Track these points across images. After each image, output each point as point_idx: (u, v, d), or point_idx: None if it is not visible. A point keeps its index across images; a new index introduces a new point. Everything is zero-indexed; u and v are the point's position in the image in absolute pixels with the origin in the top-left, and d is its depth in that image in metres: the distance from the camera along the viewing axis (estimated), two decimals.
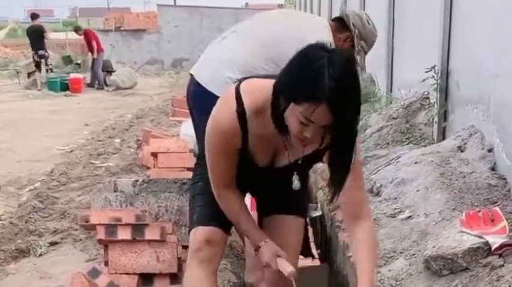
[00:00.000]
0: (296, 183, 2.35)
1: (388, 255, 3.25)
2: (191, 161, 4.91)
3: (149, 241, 3.08)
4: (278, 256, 2.36)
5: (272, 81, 2.12)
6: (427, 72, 4.53)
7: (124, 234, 3.06)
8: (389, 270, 3.13)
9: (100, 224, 3.05)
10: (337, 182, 2.12)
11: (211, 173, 2.39)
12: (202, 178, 2.53)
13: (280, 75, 2.06)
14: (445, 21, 4.48)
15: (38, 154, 8.56)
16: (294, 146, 2.18)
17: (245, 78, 2.34)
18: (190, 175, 2.97)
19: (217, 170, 2.37)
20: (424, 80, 4.59)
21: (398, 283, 3.01)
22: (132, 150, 7.65)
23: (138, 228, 3.06)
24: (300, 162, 2.33)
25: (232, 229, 2.65)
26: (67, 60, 20.39)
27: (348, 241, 3.60)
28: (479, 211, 3.11)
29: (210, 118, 2.31)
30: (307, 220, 2.91)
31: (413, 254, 3.15)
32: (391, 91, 6.33)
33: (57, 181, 6.49)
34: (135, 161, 6.61)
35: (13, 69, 19.40)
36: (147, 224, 3.07)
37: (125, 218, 3.05)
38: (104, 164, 7.07)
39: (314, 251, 3.34)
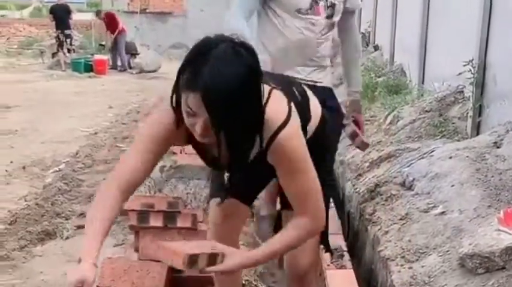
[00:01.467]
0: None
1: (421, 251, 3.19)
2: None
3: (180, 229, 3.05)
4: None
5: None
6: (464, 65, 4.44)
7: (156, 221, 3.03)
8: (422, 266, 3.07)
9: (132, 210, 3.02)
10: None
11: (121, 158, 2.24)
12: None
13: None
14: (484, 12, 4.37)
15: (62, 135, 8.59)
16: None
17: None
18: None
19: (124, 159, 2.14)
20: (460, 73, 4.50)
21: (431, 279, 2.94)
22: None
23: (170, 215, 3.03)
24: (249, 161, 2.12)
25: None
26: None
27: (378, 234, 3.57)
28: None
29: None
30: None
31: (447, 251, 3.09)
32: (423, 83, 6.23)
33: (82, 163, 6.53)
34: None
35: (37, 49, 19.48)
36: (179, 212, 3.04)
37: (157, 205, 3.02)
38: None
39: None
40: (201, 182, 3.91)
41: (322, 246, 2.95)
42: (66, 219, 4.58)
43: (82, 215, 4.61)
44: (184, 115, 1.85)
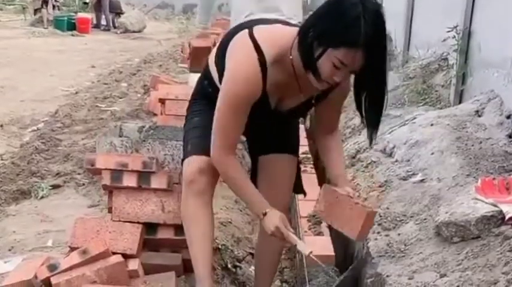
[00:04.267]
0: (307, 123, 2.82)
1: (398, 218, 3.18)
2: None
3: (155, 190, 2.98)
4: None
5: (287, 28, 2.30)
6: (448, 32, 4.37)
7: (130, 181, 2.95)
8: (399, 234, 3.06)
9: (106, 169, 2.94)
10: (373, 123, 2.37)
11: (219, 132, 2.41)
12: (197, 114, 2.63)
13: (311, 22, 2.17)
14: None
15: (42, 93, 8.46)
16: (308, 90, 2.33)
17: (250, 26, 2.36)
18: None
19: (227, 129, 2.41)
20: (444, 40, 4.44)
21: (407, 247, 2.93)
22: (139, 95, 7.51)
23: (144, 175, 2.95)
24: (313, 101, 2.49)
25: None
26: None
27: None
28: (494, 178, 3.02)
29: (230, 73, 2.33)
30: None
31: (424, 219, 3.07)
32: (408, 50, 6.16)
33: (61, 123, 6.38)
34: (141, 107, 6.49)
35: (19, 5, 19.08)
36: (153, 172, 2.96)
37: (131, 164, 2.94)
38: (110, 108, 6.95)
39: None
40: (179, 144, 3.82)
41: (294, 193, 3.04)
42: (42, 178, 4.47)
43: (58, 174, 4.52)
44: (328, 67, 2.10)
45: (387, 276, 2.74)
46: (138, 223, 2.95)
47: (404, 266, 2.77)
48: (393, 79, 5.08)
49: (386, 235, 3.06)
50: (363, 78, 2.20)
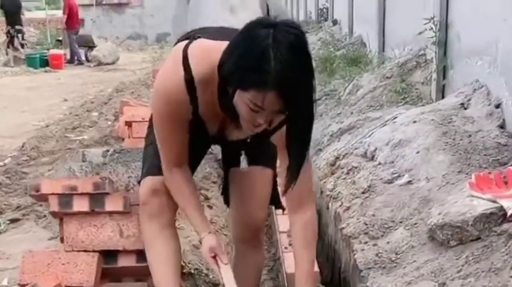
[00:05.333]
0: (244, 164, 2.30)
1: (386, 225, 2.86)
2: None
3: (110, 213, 2.64)
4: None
5: (223, 45, 1.88)
6: (425, 24, 4.11)
7: (81, 205, 2.62)
8: (388, 242, 2.74)
9: (52, 194, 2.61)
10: (294, 170, 1.96)
11: (161, 148, 2.19)
12: None
13: (223, 57, 1.85)
14: None
15: (12, 129, 8.19)
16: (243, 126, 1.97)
17: (194, 37, 2.09)
18: None
19: (168, 143, 2.17)
20: (420, 33, 4.17)
21: (398, 256, 2.61)
22: (109, 122, 7.26)
23: (96, 198, 2.62)
24: (248, 140, 2.18)
25: None
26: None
27: (339, 211, 3.23)
28: (489, 172, 2.72)
29: (157, 83, 2.10)
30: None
31: (415, 224, 2.76)
32: (383, 51, 5.91)
33: (28, 156, 6.12)
34: (111, 134, 6.20)
35: None
36: (107, 193, 2.64)
37: (80, 187, 2.61)
38: (79, 137, 6.65)
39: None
40: None
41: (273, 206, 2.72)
42: (1, 213, 4.16)
43: (18, 208, 4.20)
44: (244, 110, 1.81)
45: None
46: (94, 251, 2.63)
47: (398, 278, 2.46)
48: (369, 80, 4.81)
49: (374, 245, 2.74)
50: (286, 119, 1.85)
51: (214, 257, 2.19)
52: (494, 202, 2.46)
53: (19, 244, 3.59)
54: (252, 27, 1.79)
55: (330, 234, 3.49)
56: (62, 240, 2.72)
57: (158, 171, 2.27)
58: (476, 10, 3.74)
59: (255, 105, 1.77)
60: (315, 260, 2.24)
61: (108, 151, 4.34)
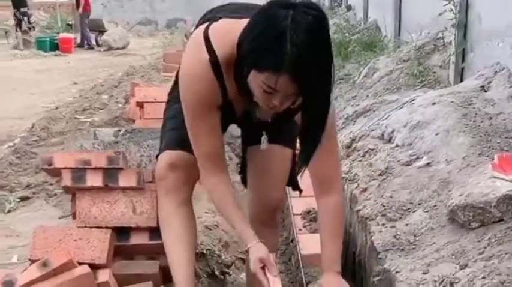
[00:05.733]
0: (264, 144, 2.24)
1: (404, 207, 2.80)
2: None
3: (124, 189, 2.59)
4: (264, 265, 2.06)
5: (244, 23, 1.83)
6: (445, 5, 4.02)
7: (94, 180, 2.57)
8: (406, 224, 2.68)
9: (65, 168, 2.56)
10: (305, 155, 1.94)
11: (195, 146, 2.11)
12: (177, 100, 2.18)
13: (242, 36, 1.81)
14: None
15: (22, 111, 8.19)
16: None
17: (214, 18, 2.03)
18: None
19: (198, 136, 2.09)
20: (440, 14, 4.08)
21: (417, 238, 2.55)
22: (120, 105, 7.22)
23: (110, 173, 2.57)
24: (269, 121, 2.12)
25: None
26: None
27: (355, 193, 3.17)
28: None
29: (182, 72, 2.03)
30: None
31: (434, 206, 2.69)
32: (399, 35, 5.82)
33: (37, 136, 6.09)
34: (121, 115, 6.16)
35: (1, 29, 18.85)
36: (121, 169, 2.58)
37: (94, 161, 2.55)
38: (89, 119, 6.62)
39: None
40: (156, 143, 3.45)
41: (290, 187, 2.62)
42: (11, 191, 4.12)
43: (28, 186, 4.17)
44: (258, 91, 1.77)
45: (397, 272, 2.37)
46: (106, 227, 2.57)
47: (417, 260, 2.40)
48: (386, 63, 4.73)
49: (392, 227, 2.68)
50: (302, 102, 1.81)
51: (262, 268, 2.06)
52: None
53: (29, 222, 3.56)
54: (272, 6, 1.74)
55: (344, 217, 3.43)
56: (74, 216, 2.68)
57: (176, 145, 2.23)
58: None
59: (268, 87, 1.73)
60: (341, 246, 2.16)
61: (119, 130, 4.30)
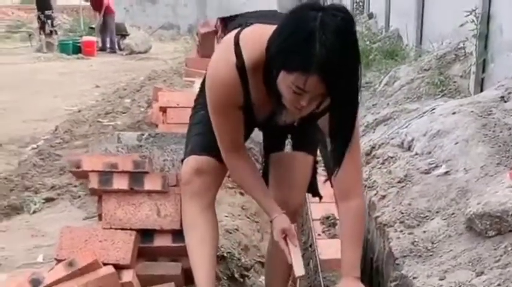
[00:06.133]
0: (288, 148, 2.37)
1: (422, 215, 2.84)
2: None
3: (149, 192, 2.67)
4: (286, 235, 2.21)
5: (273, 29, 1.91)
6: (466, 16, 4.06)
7: (120, 183, 2.65)
8: (424, 231, 2.73)
9: (93, 171, 2.64)
10: (337, 155, 2.02)
11: (218, 134, 2.21)
12: (203, 106, 2.29)
13: (271, 38, 1.88)
14: None
15: (45, 113, 8.30)
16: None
17: (246, 24, 2.11)
18: None
19: (223, 130, 2.19)
20: (462, 25, 4.12)
21: (434, 245, 2.60)
22: (142, 109, 7.29)
23: (136, 177, 2.64)
24: (295, 124, 2.15)
25: None
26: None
27: (374, 200, 3.22)
28: None
29: (209, 72, 2.11)
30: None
31: (452, 214, 2.74)
32: (420, 44, 5.86)
33: (61, 139, 6.18)
34: (144, 119, 6.24)
35: (25, 32, 19.09)
36: (146, 172, 2.66)
37: (121, 165, 2.63)
38: (112, 122, 6.71)
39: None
40: (179, 148, 3.52)
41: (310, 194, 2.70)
42: (36, 193, 4.20)
43: (53, 188, 4.25)
44: (287, 92, 1.82)
45: (414, 278, 2.42)
46: (131, 229, 2.64)
47: (434, 266, 2.45)
48: (407, 72, 4.77)
49: (410, 233, 2.73)
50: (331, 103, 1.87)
51: (284, 238, 2.20)
52: None
53: (54, 223, 3.62)
54: (301, 9, 1.80)
55: None
56: (99, 217, 2.75)
57: (202, 151, 2.31)
58: None
59: (297, 88, 1.78)
60: (361, 251, 2.20)
61: (143, 134, 4.37)
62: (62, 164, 4.86)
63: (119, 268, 2.49)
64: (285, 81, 1.80)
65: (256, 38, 1.99)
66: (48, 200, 4.02)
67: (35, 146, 6.30)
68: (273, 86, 1.88)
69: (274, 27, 1.91)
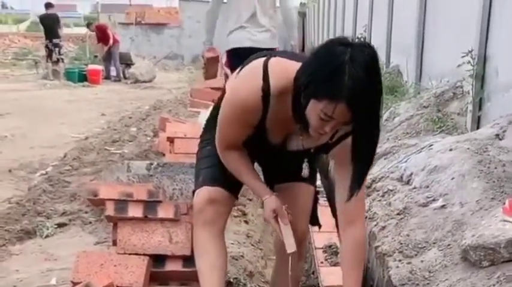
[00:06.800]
0: (306, 171, 2.47)
1: (420, 246, 2.99)
2: None
3: (162, 220, 2.83)
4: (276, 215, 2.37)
5: (299, 65, 2.09)
6: (463, 57, 4.25)
7: (135, 211, 2.82)
8: (422, 261, 2.87)
9: (109, 199, 2.81)
10: (357, 179, 2.15)
11: (218, 135, 2.38)
12: (210, 142, 2.49)
13: (302, 70, 2.04)
14: (484, 1, 4.19)
15: (52, 140, 8.40)
16: (309, 135, 2.14)
17: (274, 55, 2.29)
18: None
19: (225, 135, 2.37)
20: (459, 65, 4.31)
21: (431, 274, 2.74)
22: (149, 138, 7.45)
23: (150, 205, 2.82)
24: (312, 151, 2.36)
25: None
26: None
27: (374, 230, 3.36)
28: None
29: (233, 89, 2.28)
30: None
31: (448, 245, 2.89)
32: (420, 81, 6.04)
33: (70, 166, 6.28)
34: (150, 148, 6.39)
35: (31, 59, 19.34)
36: (160, 201, 2.83)
37: (136, 194, 2.81)
38: (119, 151, 6.86)
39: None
40: (188, 178, 3.69)
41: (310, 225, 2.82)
42: (48, 218, 4.32)
43: (64, 213, 4.37)
44: (315, 118, 1.97)
45: None
46: (144, 255, 2.80)
47: None
48: (406, 109, 4.95)
49: (409, 263, 2.87)
50: (353, 131, 2.04)
51: (275, 217, 2.36)
52: None
53: (66, 248, 3.73)
54: (331, 43, 2.00)
55: None
56: (114, 243, 2.91)
57: (214, 182, 2.46)
58: None
59: (325, 115, 1.94)
60: (361, 278, 2.34)
61: (152, 163, 4.53)
62: (72, 191, 5.00)
63: None
64: (314, 109, 1.96)
65: (283, 68, 2.17)
66: (60, 225, 4.13)
67: (44, 172, 6.39)
68: (301, 114, 2.04)
69: (298, 63, 2.10)
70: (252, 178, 2.42)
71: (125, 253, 2.82)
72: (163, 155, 5.75)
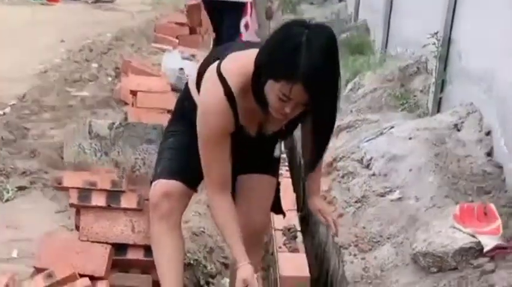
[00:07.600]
0: (277, 152, 2.62)
1: (375, 240, 3.13)
2: (172, 102, 4.68)
3: (125, 209, 2.87)
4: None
5: (252, 53, 2.13)
6: (429, 38, 4.28)
7: (98, 200, 2.84)
8: (375, 257, 3.01)
9: (73, 188, 2.83)
10: (316, 154, 2.34)
11: (207, 170, 2.35)
12: (174, 134, 2.56)
13: (261, 51, 2.08)
14: None
15: (9, 71, 8.13)
16: (273, 117, 2.19)
17: (223, 55, 2.29)
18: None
19: (210, 165, 2.34)
20: (424, 45, 4.34)
21: (383, 273, 2.89)
22: (110, 79, 7.31)
23: (113, 195, 2.84)
24: (283, 128, 2.41)
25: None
26: None
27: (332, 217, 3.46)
28: (472, 203, 2.98)
29: (200, 110, 2.29)
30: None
31: (401, 243, 3.03)
32: (386, 47, 6.05)
33: (29, 110, 6.16)
34: (112, 94, 6.32)
35: None
36: (123, 191, 2.86)
37: (100, 183, 2.83)
38: (79, 93, 6.74)
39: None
40: (150, 147, 3.70)
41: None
42: (7, 177, 4.28)
43: (24, 173, 4.33)
44: (274, 99, 2.02)
45: None
46: (107, 243, 2.85)
47: None
48: (371, 81, 5.00)
49: (363, 258, 3.01)
50: (310, 110, 2.08)
51: None
52: (474, 236, 2.72)
53: (27, 215, 3.70)
54: (288, 25, 2.03)
55: (321, 232, 3.74)
56: (77, 228, 2.94)
57: (171, 175, 2.48)
58: (477, 35, 3.90)
59: (284, 95, 1.98)
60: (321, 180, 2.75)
61: (113, 123, 4.51)
62: (32, 145, 4.93)
63: (94, 278, 2.69)
64: (272, 89, 2.00)
65: (238, 64, 2.19)
66: (21, 188, 4.10)
67: (1, 113, 6.27)
68: (260, 95, 2.08)
69: (250, 51, 2.14)
70: (235, 239, 2.38)
71: (87, 240, 2.86)
72: (125, 104, 5.72)
